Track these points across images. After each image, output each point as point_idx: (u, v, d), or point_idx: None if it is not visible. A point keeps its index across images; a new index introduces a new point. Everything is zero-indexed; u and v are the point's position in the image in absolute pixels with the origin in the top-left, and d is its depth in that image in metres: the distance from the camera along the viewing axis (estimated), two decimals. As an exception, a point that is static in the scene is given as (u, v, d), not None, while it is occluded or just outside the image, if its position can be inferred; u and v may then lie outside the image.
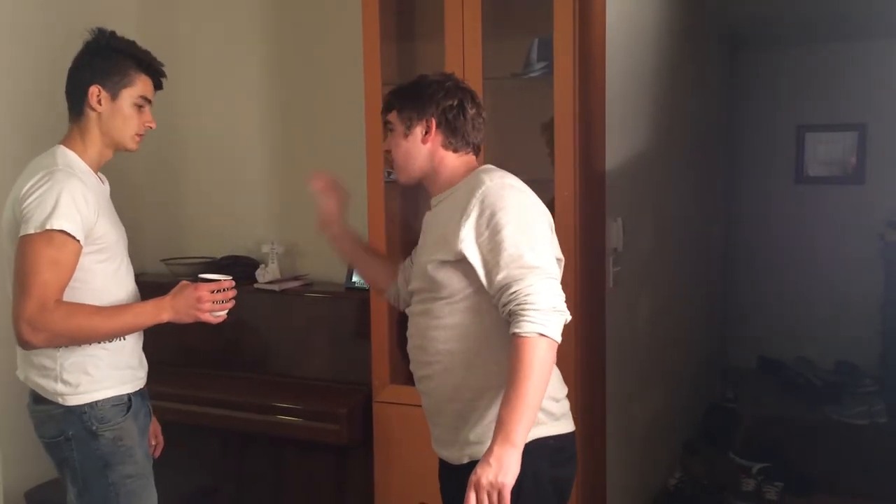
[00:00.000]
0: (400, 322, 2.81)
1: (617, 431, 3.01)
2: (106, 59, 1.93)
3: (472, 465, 1.71)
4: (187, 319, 1.92)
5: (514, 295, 1.59)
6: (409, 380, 2.57)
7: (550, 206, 1.91)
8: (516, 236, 1.62)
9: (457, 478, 1.80)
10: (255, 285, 3.16)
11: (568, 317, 1.64)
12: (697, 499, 3.63)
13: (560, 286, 1.65)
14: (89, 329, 1.83)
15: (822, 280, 5.67)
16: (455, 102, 1.80)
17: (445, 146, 1.81)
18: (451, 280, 1.71)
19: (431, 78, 1.85)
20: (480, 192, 1.68)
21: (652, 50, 3.53)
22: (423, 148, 1.81)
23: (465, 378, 1.73)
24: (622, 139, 2.99)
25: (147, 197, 3.64)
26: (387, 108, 1.86)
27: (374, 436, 2.75)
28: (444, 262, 1.71)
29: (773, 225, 5.90)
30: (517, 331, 1.58)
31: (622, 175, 2.99)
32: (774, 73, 5.85)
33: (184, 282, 1.95)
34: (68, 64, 1.97)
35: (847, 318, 5.52)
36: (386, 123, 1.86)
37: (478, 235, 1.66)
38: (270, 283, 3.16)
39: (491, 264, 1.64)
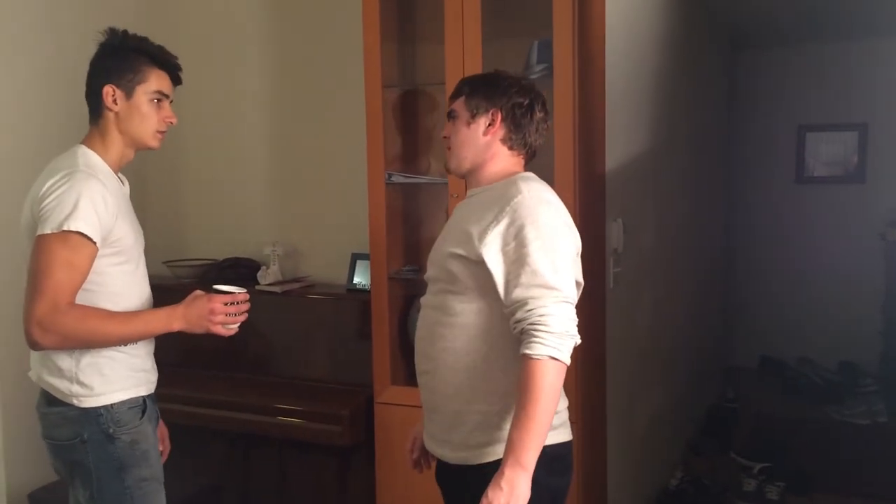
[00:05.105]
0: (400, 323, 2.83)
1: (618, 431, 3.01)
2: (118, 58, 1.90)
3: (464, 468, 1.73)
4: (199, 330, 1.89)
5: (529, 314, 1.59)
6: (409, 381, 2.59)
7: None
8: (541, 254, 1.61)
9: (450, 476, 1.81)
10: (257, 287, 3.16)
11: (578, 340, 1.63)
12: (699, 498, 3.63)
13: (574, 311, 1.65)
14: (100, 334, 1.80)
15: (824, 280, 5.69)
16: (526, 101, 1.79)
17: (503, 141, 1.80)
18: (466, 277, 1.70)
19: (507, 73, 1.85)
20: (515, 201, 1.66)
21: (652, 51, 3.54)
22: (481, 139, 1.79)
23: (467, 379, 1.72)
24: (622, 140, 3.00)
25: (149, 199, 3.65)
26: (455, 95, 1.84)
27: (376, 437, 2.76)
28: (461, 258, 1.70)
29: (775, 225, 5.92)
30: (528, 352, 1.57)
31: (622, 175, 3.00)
32: (775, 73, 5.86)
33: (197, 291, 1.92)
34: (79, 65, 1.95)
35: (848, 317, 5.54)
36: (450, 112, 1.84)
37: (504, 244, 1.64)
38: (272, 284, 3.17)
39: (511, 276, 1.62)
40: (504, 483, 1.53)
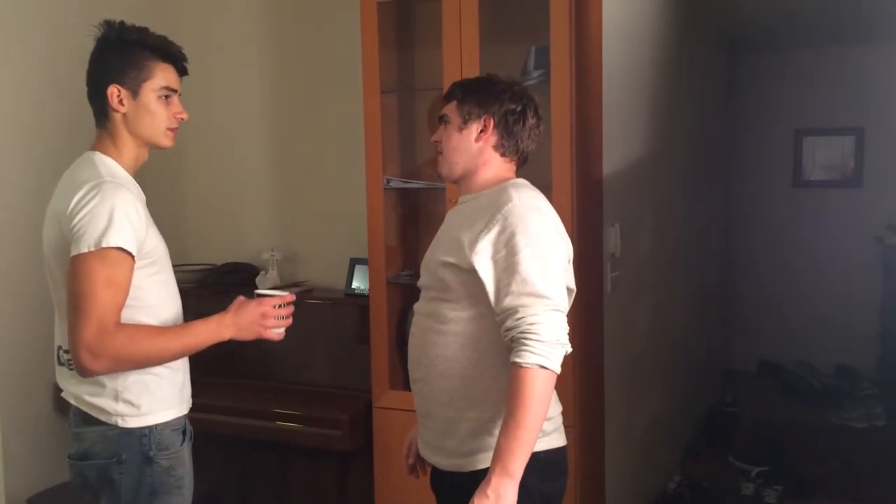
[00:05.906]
0: (399, 327, 2.83)
1: (616, 435, 3.02)
2: (119, 54, 1.78)
3: (458, 475, 1.73)
4: (249, 336, 1.83)
5: (519, 322, 1.58)
6: (408, 385, 2.59)
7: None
8: (531, 262, 1.61)
9: (445, 484, 1.81)
10: (255, 292, 3.16)
11: (569, 349, 1.63)
12: (697, 502, 3.64)
13: (566, 319, 1.64)
14: (153, 352, 1.72)
15: (821, 284, 5.70)
16: (518, 107, 1.78)
17: (496, 148, 1.79)
18: (458, 285, 1.70)
19: (500, 78, 1.84)
20: (506, 209, 1.66)
21: (650, 56, 3.55)
22: (473, 145, 1.78)
23: (460, 386, 1.72)
24: (620, 145, 3.01)
25: (148, 203, 3.64)
26: (446, 98, 1.83)
27: (374, 441, 2.77)
28: (453, 266, 1.70)
29: (772, 229, 5.93)
30: (518, 360, 1.56)
31: (620, 181, 3.01)
32: (772, 78, 5.88)
33: (241, 297, 1.86)
34: (74, 63, 1.85)
35: (846, 321, 5.54)
36: (441, 116, 1.83)
37: (494, 252, 1.64)
38: (270, 289, 3.17)
39: (501, 284, 1.62)
40: (490, 491, 1.53)
